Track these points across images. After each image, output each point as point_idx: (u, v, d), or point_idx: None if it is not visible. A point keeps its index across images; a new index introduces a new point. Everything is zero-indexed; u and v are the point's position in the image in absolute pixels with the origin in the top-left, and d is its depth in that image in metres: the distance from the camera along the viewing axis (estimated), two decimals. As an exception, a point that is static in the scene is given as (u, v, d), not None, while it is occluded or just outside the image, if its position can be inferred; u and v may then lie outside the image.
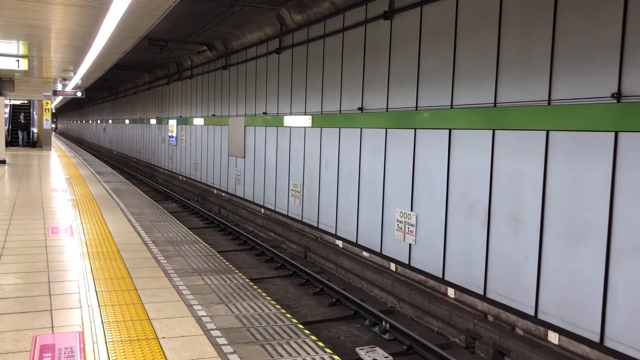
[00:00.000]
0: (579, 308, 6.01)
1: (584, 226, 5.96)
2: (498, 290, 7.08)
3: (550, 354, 6.17)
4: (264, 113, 14.60)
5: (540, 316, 6.47)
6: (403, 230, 8.92)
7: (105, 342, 4.03)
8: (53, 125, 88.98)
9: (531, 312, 6.58)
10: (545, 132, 6.39)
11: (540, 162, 6.46)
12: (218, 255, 7.07)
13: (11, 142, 27.69)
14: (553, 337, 6.29)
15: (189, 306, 4.96)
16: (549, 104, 6.35)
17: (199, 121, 20.55)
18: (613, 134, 5.62)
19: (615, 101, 5.60)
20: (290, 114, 13.03)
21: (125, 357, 3.80)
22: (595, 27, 5.84)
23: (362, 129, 10.09)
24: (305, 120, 12.15)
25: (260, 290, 5.65)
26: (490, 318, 7.20)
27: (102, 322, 4.43)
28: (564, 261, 6.19)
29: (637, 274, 5.43)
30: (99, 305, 4.82)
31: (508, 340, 6.65)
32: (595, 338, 5.81)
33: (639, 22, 5.42)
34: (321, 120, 11.54)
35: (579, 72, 6.01)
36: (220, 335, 4.32)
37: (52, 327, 4.28)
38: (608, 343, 5.70)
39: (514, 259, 6.84)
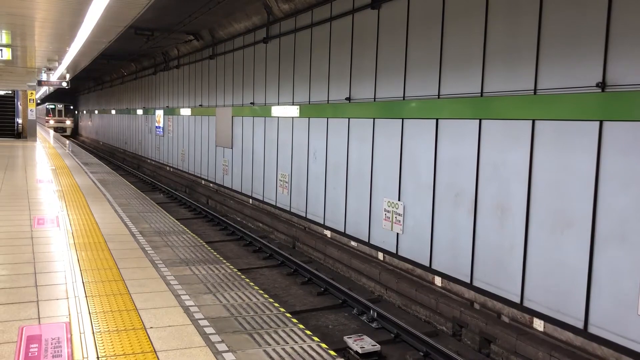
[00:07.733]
0: (563, 295, 6.09)
1: (569, 214, 6.03)
2: (484, 278, 7.15)
3: (535, 340, 6.26)
4: (251, 103, 14.54)
5: (526, 304, 6.55)
6: (391, 219, 8.95)
7: (93, 333, 4.02)
8: (68, 123, 50.28)
9: (517, 300, 6.66)
10: (531, 121, 6.43)
11: (526, 151, 6.51)
12: (206, 246, 7.05)
13: None
14: (538, 324, 6.38)
15: (177, 296, 4.95)
16: (535, 93, 6.39)
17: (186, 111, 20.42)
18: (598, 123, 5.68)
19: (600, 90, 5.64)
20: (278, 104, 12.99)
21: (113, 347, 3.80)
22: (581, 17, 5.88)
23: (350, 119, 10.09)
24: (293, 111, 12.12)
25: (248, 280, 5.65)
26: (476, 306, 7.27)
27: (89, 313, 4.41)
28: (549, 249, 6.26)
29: (620, 261, 5.51)
30: (86, 296, 4.80)
31: (494, 327, 6.72)
32: (580, 325, 5.90)
33: (624, 11, 5.46)
34: (309, 110, 11.51)
35: (565, 62, 6.05)
36: (208, 324, 4.32)
37: (39, 318, 4.25)
38: (592, 329, 5.79)
39: (500, 248, 6.91)
